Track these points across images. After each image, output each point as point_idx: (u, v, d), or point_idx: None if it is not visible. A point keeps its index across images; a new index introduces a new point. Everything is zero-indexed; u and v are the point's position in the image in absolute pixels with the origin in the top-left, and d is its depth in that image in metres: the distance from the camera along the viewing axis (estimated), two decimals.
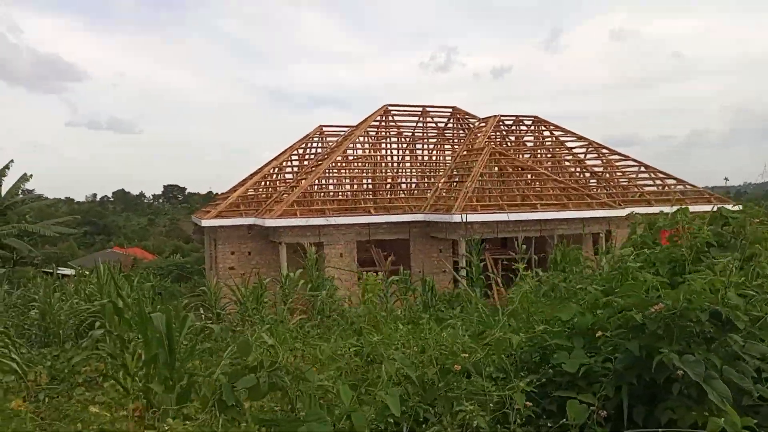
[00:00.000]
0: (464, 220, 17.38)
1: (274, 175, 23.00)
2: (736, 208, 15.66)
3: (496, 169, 20.37)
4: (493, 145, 21.38)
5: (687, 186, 21.60)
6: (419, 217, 19.18)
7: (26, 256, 20.49)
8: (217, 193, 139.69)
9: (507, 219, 17.00)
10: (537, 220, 18.29)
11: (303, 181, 20.12)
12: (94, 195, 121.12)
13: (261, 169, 24.53)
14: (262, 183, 22.30)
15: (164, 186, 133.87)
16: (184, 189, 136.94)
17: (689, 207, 16.80)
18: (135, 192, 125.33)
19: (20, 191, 22.15)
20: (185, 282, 25.99)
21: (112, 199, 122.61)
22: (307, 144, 24.25)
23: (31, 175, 22.09)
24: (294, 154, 23.62)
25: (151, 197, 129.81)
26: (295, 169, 23.40)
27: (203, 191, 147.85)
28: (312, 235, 18.69)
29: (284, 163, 23.16)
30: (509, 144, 23.44)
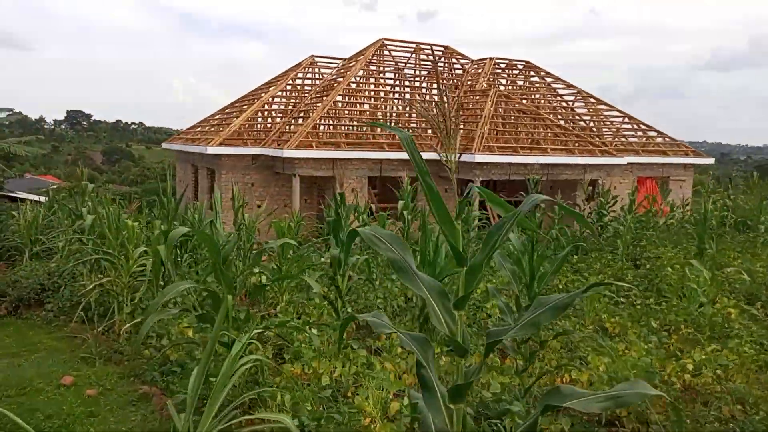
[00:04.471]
0: (486, 160, 17.71)
1: (268, 106, 21.91)
2: (710, 161, 17.14)
3: (501, 111, 20.65)
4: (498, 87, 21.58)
5: (666, 138, 23.07)
6: (431, 155, 19.18)
7: None
8: (126, 122, 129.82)
9: (535, 162, 17.44)
10: (546, 164, 18.92)
11: (312, 113, 19.39)
12: None
13: (247, 97, 23.31)
14: (259, 113, 21.22)
15: (67, 111, 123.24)
16: (89, 116, 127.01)
17: (669, 158, 18.00)
18: (34, 116, 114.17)
19: None
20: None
21: (7, 123, 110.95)
22: (296, 74, 23.20)
23: None
24: (287, 85, 22.55)
25: (53, 123, 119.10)
26: (291, 100, 22.42)
27: (111, 119, 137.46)
28: (326, 168, 18.26)
29: (279, 93, 22.09)
30: (502, 87, 23.71)
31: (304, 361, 4.58)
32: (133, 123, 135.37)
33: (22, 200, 19.92)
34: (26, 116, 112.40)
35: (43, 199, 19.40)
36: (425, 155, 18.74)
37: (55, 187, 27.76)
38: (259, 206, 19.68)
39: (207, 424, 3.11)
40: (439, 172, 19.83)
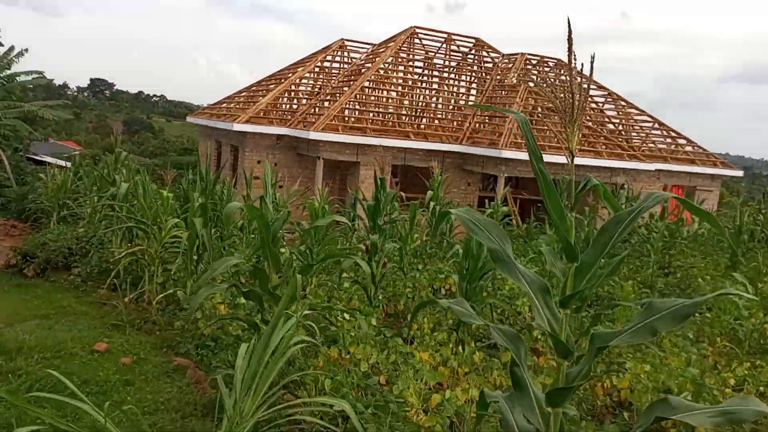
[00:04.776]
0: (514, 156, 17.52)
1: (295, 87, 21.80)
2: (739, 173, 16.66)
3: (530, 108, 20.40)
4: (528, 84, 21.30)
5: (696, 147, 22.67)
6: (457, 147, 19.03)
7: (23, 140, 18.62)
8: (148, 94, 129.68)
9: (566, 162, 17.18)
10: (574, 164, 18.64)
11: (340, 97, 19.27)
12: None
13: (275, 76, 23.21)
14: (286, 94, 21.12)
15: (91, 79, 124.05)
16: (112, 85, 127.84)
17: (697, 167, 17.49)
18: (58, 82, 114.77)
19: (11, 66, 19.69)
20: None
21: (31, 86, 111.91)
22: (325, 56, 23.03)
23: (27, 50, 19.70)
24: (316, 67, 22.41)
25: (76, 89, 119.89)
26: (318, 82, 22.29)
27: (133, 90, 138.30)
28: (350, 153, 18.17)
29: (307, 74, 21.96)
30: (532, 84, 23.39)
31: (340, 346, 4.51)
32: (154, 95, 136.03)
33: (47, 164, 20.07)
34: (51, 81, 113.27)
35: (65, 163, 19.59)
36: (448, 147, 18.50)
37: (77, 153, 27.97)
38: (280, 186, 19.68)
39: (256, 402, 3.04)
40: (463, 165, 19.67)
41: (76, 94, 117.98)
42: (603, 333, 2.10)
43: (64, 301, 7.01)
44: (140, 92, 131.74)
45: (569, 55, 2.22)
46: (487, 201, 16.15)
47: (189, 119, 25.48)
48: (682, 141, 22.74)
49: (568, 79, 2.23)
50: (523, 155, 17.72)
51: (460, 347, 5.11)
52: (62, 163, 19.32)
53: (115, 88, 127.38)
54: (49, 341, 5.01)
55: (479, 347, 5.34)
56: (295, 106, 21.04)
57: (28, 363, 4.47)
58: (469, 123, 20.22)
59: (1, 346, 4.78)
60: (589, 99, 23.26)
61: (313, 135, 17.12)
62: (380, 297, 6.41)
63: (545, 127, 19.85)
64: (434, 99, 22.30)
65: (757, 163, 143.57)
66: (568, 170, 10.51)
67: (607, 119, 22.96)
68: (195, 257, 5.95)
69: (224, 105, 23.46)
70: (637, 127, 23.01)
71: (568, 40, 2.23)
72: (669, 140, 22.95)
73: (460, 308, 2.31)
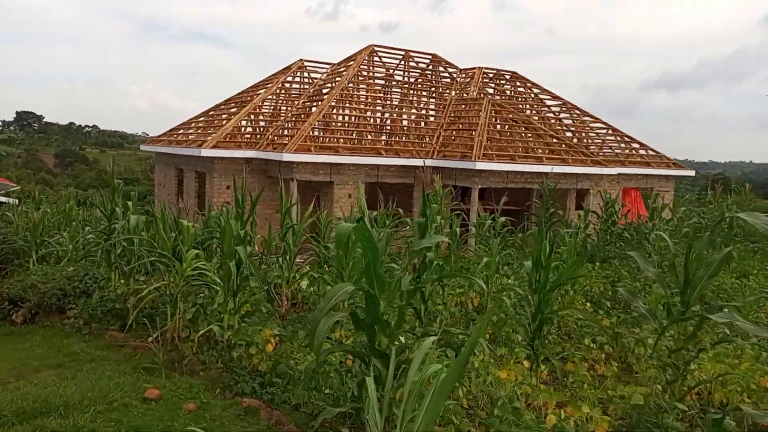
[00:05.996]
0: (487, 167, 17.69)
1: (257, 109, 21.34)
2: (691, 173, 17.47)
3: (493, 120, 20.72)
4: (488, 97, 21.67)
5: (649, 150, 23.63)
6: (431, 162, 19.02)
7: None
8: (79, 125, 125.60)
9: (551, 171, 17.42)
10: (541, 173, 19.01)
11: (307, 118, 18.99)
12: None
13: (233, 99, 22.68)
14: (251, 116, 20.63)
15: (17, 112, 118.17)
16: (41, 117, 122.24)
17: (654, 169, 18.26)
18: None
19: None
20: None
21: None
22: (286, 77, 22.71)
23: None
24: (277, 89, 22.03)
25: (1, 124, 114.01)
26: (280, 103, 21.92)
27: (63, 121, 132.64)
28: (324, 173, 17.88)
29: (270, 97, 21.55)
30: (489, 96, 23.84)
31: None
32: (86, 126, 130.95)
33: None
34: None
35: (8, 200, 18.33)
36: (422, 162, 18.40)
37: (14, 189, 26.35)
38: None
39: None
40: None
41: (1, 128, 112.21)
42: None
43: (74, 347, 6.43)
44: (71, 123, 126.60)
45: None
46: (483, 212, 16.00)
47: (144, 148, 24.51)
48: (635, 145, 23.66)
49: None
50: (497, 166, 17.93)
51: (533, 363, 4.95)
52: (3, 199, 18.12)
53: (44, 120, 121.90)
54: (94, 392, 4.51)
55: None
56: (260, 129, 20.58)
57: (86, 419, 3.98)
58: (438, 137, 20.33)
59: (43, 401, 4.26)
60: (546, 108, 23.92)
61: (287, 156, 16.75)
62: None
63: (511, 138, 20.20)
64: (398, 115, 22.33)
65: (684, 163, 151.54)
66: (539, 178, 10.86)
67: (565, 128, 23.62)
68: (234, 288, 5.55)
69: (181, 131, 22.70)
70: (593, 134, 23.78)
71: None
72: (623, 145, 23.82)
73: (743, 323, 2.15)
